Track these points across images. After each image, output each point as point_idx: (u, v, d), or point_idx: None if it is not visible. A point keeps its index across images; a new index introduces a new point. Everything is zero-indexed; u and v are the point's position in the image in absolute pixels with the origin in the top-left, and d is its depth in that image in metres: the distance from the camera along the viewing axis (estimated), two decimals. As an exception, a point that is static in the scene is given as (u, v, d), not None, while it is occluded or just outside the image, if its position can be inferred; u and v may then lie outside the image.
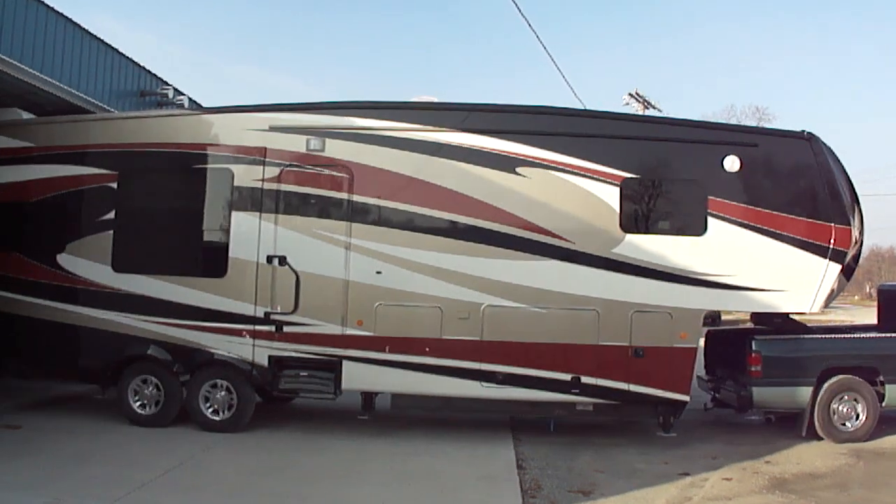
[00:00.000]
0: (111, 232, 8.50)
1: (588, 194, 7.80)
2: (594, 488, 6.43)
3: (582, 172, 7.80)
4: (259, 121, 8.27)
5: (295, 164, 8.13)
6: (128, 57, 11.87)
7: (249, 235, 8.15)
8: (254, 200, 8.17)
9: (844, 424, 7.84)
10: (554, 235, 7.80)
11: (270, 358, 8.10)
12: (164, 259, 8.53)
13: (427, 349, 7.87)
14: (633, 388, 7.71)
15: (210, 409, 8.22)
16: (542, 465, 7.13)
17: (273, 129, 8.22)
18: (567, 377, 7.75)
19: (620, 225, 7.76)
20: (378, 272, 7.95)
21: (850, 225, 7.60)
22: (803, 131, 7.74)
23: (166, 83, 13.24)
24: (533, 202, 7.84)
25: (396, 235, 7.97)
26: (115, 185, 8.53)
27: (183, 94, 13.48)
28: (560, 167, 7.82)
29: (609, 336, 7.72)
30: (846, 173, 7.83)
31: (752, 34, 72.51)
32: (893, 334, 8.05)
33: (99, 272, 8.46)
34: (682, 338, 7.65)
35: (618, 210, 7.75)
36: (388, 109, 8.15)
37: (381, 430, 8.32)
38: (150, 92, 12.64)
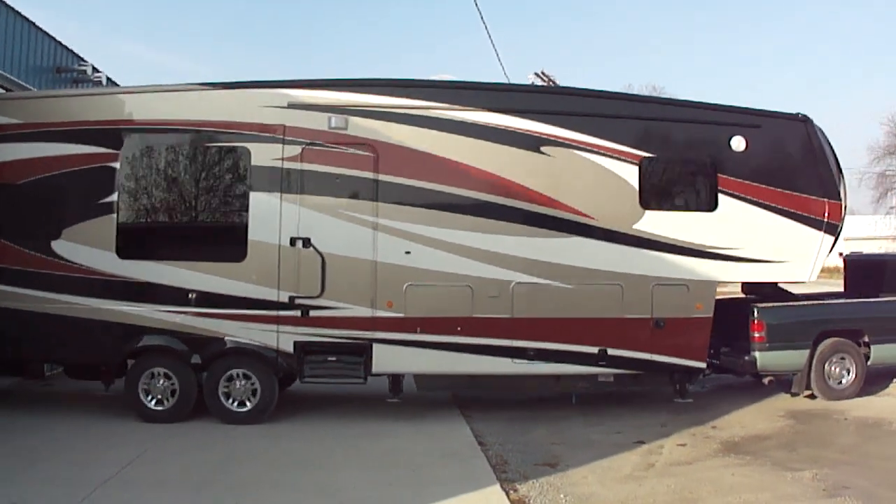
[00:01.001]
0: (114, 216, 8.16)
1: (609, 173, 8.32)
2: (558, 460, 6.79)
3: (603, 152, 8.31)
4: (277, 97, 8.19)
5: (317, 142, 8.13)
6: (44, 31, 11.21)
7: (270, 217, 8.07)
8: (274, 180, 8.09)
9: (839, 383, 8.84)
10: (578, 213, 8.27)
11: (296, 344, 8.08)
12: (175, 244, 8.30)
13: (459, 328, 8.14)
14: (656, 357, 8.33)
15: (232, 402, 8.12)
16: (501, 440, 7.45)
17: (292, 105, 8.16)
18: (594, 350, 8.26)
19: (640, 202, 8.34)
20: (407, 252, 8.12)
21: (840, 200, 8.57)
22: (799, 114, 8.65)
23: (83, 60, 12.65)
24: (557, 180, 8.25)
25: (424, 215, 8.16)
26: (116, 165, 8.18)
27: (100, 72, 12.88)
28: (582, 146, 8.29)
29: (632, 309, 8.29)
30: (833, 151, 8.81)
31: (646, 14, 76.02)
32: (877, 299, 9.18)
33: (101, 259, 8.10)
34: (697, 308, 8.35)
35: (637, 188, 8.33)
36: (413, 88, 8.30)
37: (335, 414, 8.39)
38: (66, 68, 12.04)
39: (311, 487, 5.99)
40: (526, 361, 8.22)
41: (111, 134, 8.21)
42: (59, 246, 8.15)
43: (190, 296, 8.02)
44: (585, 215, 8.27)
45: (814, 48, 60.08)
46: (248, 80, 8.40)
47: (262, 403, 8.09)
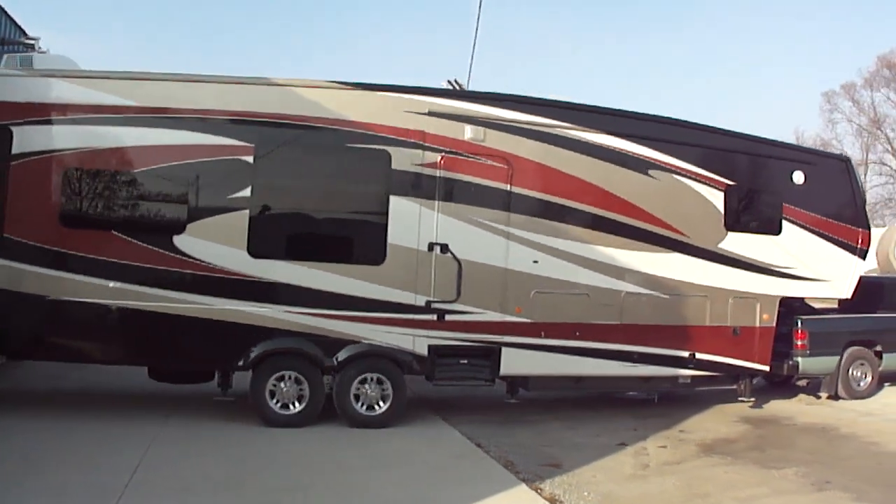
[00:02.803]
0: (246, 212, 8.17)
1: (701, 197, 9.74)
2: (559, 461, 7.37)
3: (697, 178, 9.70)
4: (419, 104, 8.64)
5: (455, 151, 8.73)
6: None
7: (409, 221, 8.51)
8: (413, 185, 8.55)
9: (859, 385, 10.98)
10: (677, 231, 9.57)
11: (430, 347, 8.58)
12: (311, 244, 8.46)
13: (577, 333, 9.10)
14: (732, 361, 9.85)
15: (361, 405, 8.45)
16: (494, 443, 7.95)
17: (432, 113, 8.67)
18: (686, 354, 9.62)
19: (725, 224, 9.86)
20: (535, 261, 8.95)
21: (868, 229, 10.73)
22: (842, 154, 10.71)
23: (27, 35, 12.07)
24: (660, 200, 9.50)
25: (551, 227, 9.03)
26: (250, 159, 8.20)
27: (45, 51, 12.40)
28: (681, 171, 9.61)
29: (715, 318, 9.74)
30: (861, 186, 10.99)
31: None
32: (889, 314, 11.51)
33: (231, 257, 8.09)
34: (765, 319, 10.01)
35: (722, 211, 9.86)
36: (545, 106, 9.11)
37: (325, 416, 8.45)
38: (11, 41, 11.48)
39: (348, 489, 6.24)
40: (630, 364, 9.40)
41: (246, 126, 8.20)
42: (182, 242, 8.03)
43: (325, 298, 8.27)
44: (682, 233, 9.61)
45: (715, 57, 67.32)
46: (390, 83, 8.77)
47: (393, 407, 8.49)
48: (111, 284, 7.88)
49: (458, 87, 33.42)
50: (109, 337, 8.08)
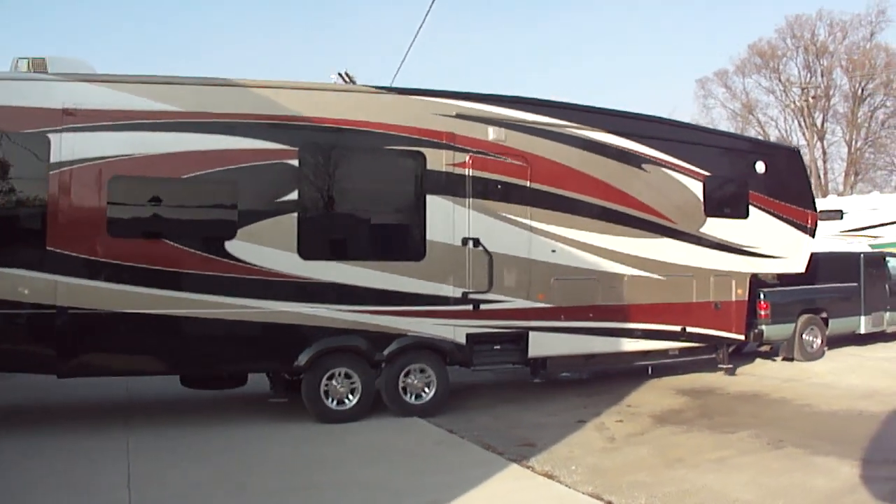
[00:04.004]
0: (295, 215, 8.67)
1: (685, 187, 11.13)
2: (533, 441, 7.97)
3: (681, 170, 11.14)
4: (447, 107, 9.42)
5: (482, 151, 9.62)
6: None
7: (444, 218, 9.30)
8: (446, 184, 9.33)
9: (812, 348, 12.89)
10: (666, 218, 10.91)
11: (468, 336, 9.45)
12: (358, 243, 9.10)
13: (591, 315, 10.26)
14: (715, 332, 11.36)
15: (410, 396, 9.21)
16: (463, 428, 8.53)
17: (459, 116, 9.47)
18: (679, 328, 11.04)
19: (704, 210, 11.37)
20: (553, 251, 10.03)
21: (815, 210, 12.63)
22: (794, 146, 12.53)
23: None
24: (652, 191, 10.81)
25: (564, 218, 10.10)
26: (296, 163, 8.71)
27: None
28: (668, 165, 11.00)
29: (700, 295, 11.20)
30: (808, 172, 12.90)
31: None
32: (837, 285, 13.53)
33: (282, 260, 8.58)
34: (739, 293, 11.61)
35: (702, 199, 11.36)
36: (555, 108, 10.15)
37: (287, 416, 8.96)
38: None
39: (343, 486, 6.51)
40: (634, 340, 10.69)
41: (289, 130, 8.66)
42: (234, 247, 8.44)
43: (373, 295, 8.95)
44: (671, 220, 10.99)
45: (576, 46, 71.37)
46: (419, 87, 9.50)
47: (439, 394, 9.31)
48: (164, 293, 8.18)
49: (348, 81, 34.45)
50: (164, 347, 8.36)
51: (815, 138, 47.93)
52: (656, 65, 71.63)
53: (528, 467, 7.06)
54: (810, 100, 46.56)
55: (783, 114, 50.72)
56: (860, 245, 18.26)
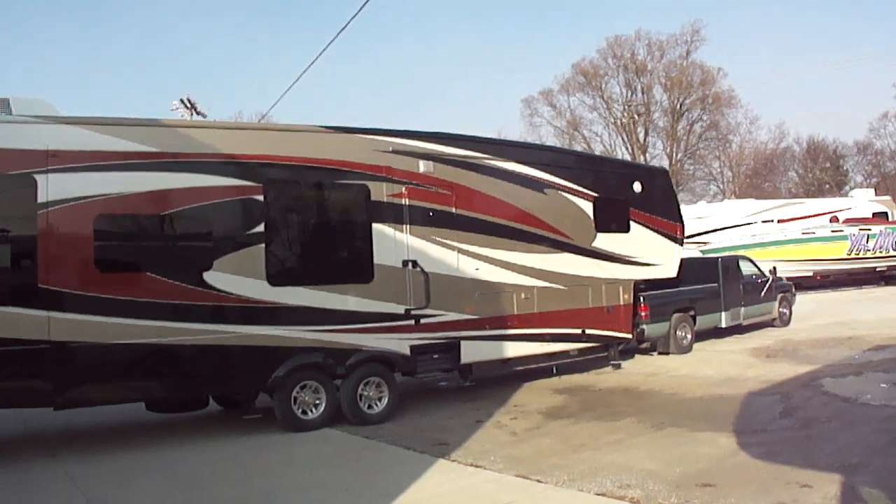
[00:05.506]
0: (262, 245, 10.08)
1: (578, 207, 13.47)
2: (445, 441, 9.10)
3: (574, 192, 13.57)
4: (385, 143, 11.09)
5: (415, 182, 11.48)
6: None
7: (388, 243, 10.96)
8: (387, 213, 11.00)
9: (684, 342, 15.80)
10: (564, 235, 13.23)
11: (411, 347, 11.19)
12: (317, 269, 10.65)
13: (509, 323, 12.41)
14: (609, 332, 13.76)
15: (365, 405, 10.79)
16: (376, 434, 9.77)
17: (395, 151, 11.20)
18: (579, 331, 13.37)
19: (595, 227, 13.90)
20: (476, 268, 12.06)
21: (682, 223, 15.59)
22: (662, 167, 15.46)
23: None
24: (553, 212, 13.08)
25: (483, 239, 12.13)
26: (261, 198, 10.14)
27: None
28: (564, 189, 13.35)
29: (595, 301, 13.60)
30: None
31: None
32: (701, 286, 16.55)
33: (254, 287, 9.94)
34: (625, 298, 14.22)
35: (592, 217, 13.90)
36: (471, 141, 12.13)
37: (209, 430, 10.42)
38: None
39: (299, 489, 7.53)
40: (544, 343, 12.90)
41: (254, 168, 10.00)
42: (212, 277, 9.75)
43: (332, 315, 10.57)
44: (568, 237, 13.38)
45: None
46: (358, 126, 11.24)
47: (392, 402, 10.85)
48: (149, 323, 9.31)
49: (190, 107, 35.47)
50: (152, 374, 9.43)
51: (638, 152, 53.82)
52: (481, 86, 76.89)
53: (453, 461, 8.23)
54: (636, 116, 52.11)
55: (607, 129, 56.47)
56: (692, 251, 21.95)
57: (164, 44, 77.46)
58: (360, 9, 12.46)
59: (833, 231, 31.27)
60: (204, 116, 34.05)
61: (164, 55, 77.06)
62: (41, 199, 8.81)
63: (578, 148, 52.62)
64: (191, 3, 78.41)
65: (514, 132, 59.87)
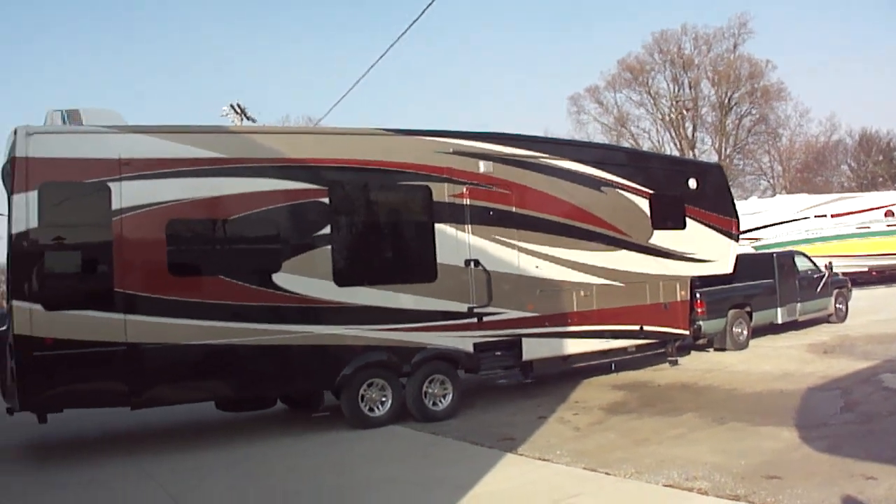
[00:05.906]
0: (329, 247, 10.48)
1: (635, 204, 13.73)
2: (511, 436, 9.30)
3: (631, 190, 13.79)
4: (446, 145, 11.42)
5: (475, 182, 11.78)
6: None
7: (450, 243, 11.27)
8: (449, 213, 11.31)
9: (740, 338, 15.89)
10: (622, 233, 13.50)
11: (475, 345, 11.49)
12: (382, 269, 11.00)
13: (569, 320, 12.67)
14: (666, 329, 13.93)
15: (430, 402, 11.10)
16: (441, 431, 9.95)
17: (456, 152, 11.52)
18: (637, 327, 13.54)
19: (651, 224, 14.07)
20: (537, 266, 12.33)
21: (738, 218, 15.66)
22: (717, 163, 15.55)
23: None
24: (610, 210, 13.28)
25: (543, 237, 12.38)
26: (326, 200, 10.54)
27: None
28: (621, 186, 13.58)
29: (652, 297, 13.75)
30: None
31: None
32: (755, 282, 16.61)
33: (321, 288, 10.33)
34: (682, 295, 14.38)
35: (649, 214, 14.06)
36: (529, 141, 12.41)
37: (279, 430, 10.77)
38: None
39: (370, 484, 7.76)
40: (603, 340, 13.12)
41: (319, 171, 10.40)
42: (280, 278, 10.15)
43: (397, 314, 10.87)
44: (625, 234, 13.56)
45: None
46: (422, 128, 11.51)
47: (456, 399, 11.20)
48: (221, 325, 9.69)
49: (240, 112, 36.35)
50: (223, 373, 9.86)
51: (687, 148, 53.43)
52: (527, 85, 77.04)
53: (521, 455, 8.47)
54: (684, 111, 51.70)
55: (655, 125, 56.15)
56: (744, 248, 21.86)
57: (208, 50, 78.79)
58: (422, 13, 12.69)
59: (889, 225, 30.80)
60: (254, 121, 34.96)
61: (208, 60, 78.38)
62: (115, 206, 9.30)
63: (626, 145, 52.51)
64: (232, 9, 79.55)
65: (561, 130, 60.06)
